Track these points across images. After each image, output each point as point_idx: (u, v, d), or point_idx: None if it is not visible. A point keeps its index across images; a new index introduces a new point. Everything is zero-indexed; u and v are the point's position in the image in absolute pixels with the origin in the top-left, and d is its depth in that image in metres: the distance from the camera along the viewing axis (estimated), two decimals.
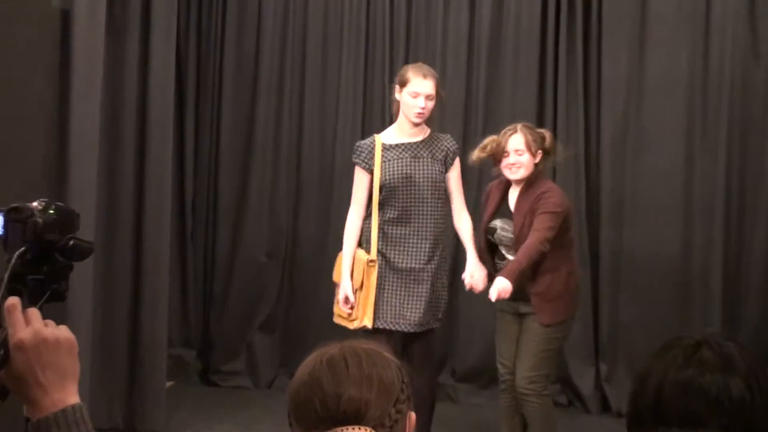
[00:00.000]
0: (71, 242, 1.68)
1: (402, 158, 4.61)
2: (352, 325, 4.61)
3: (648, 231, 6.29)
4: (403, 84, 4.59)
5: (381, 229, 4.62)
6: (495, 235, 4.57)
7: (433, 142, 4.69)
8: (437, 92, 4.61)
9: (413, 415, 1.74)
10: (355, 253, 4.65)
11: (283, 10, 6.67)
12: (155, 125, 5.49)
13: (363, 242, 4.69)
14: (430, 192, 4.63)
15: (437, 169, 4.65)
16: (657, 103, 6.29)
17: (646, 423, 1.58)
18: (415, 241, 4.62)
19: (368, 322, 4.58)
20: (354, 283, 4.61)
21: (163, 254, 5.52)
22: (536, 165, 4.53)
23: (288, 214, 6.67)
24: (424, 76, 4.57)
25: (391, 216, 4.61)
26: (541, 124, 6.08)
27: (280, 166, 6.69)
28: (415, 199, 4.61)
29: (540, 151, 4.52)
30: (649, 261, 6.26)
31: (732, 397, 1.55)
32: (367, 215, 4.68)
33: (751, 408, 1.55)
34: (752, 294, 6.20)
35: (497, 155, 4.55)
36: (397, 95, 4.63)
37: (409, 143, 4.64)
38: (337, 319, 4.72)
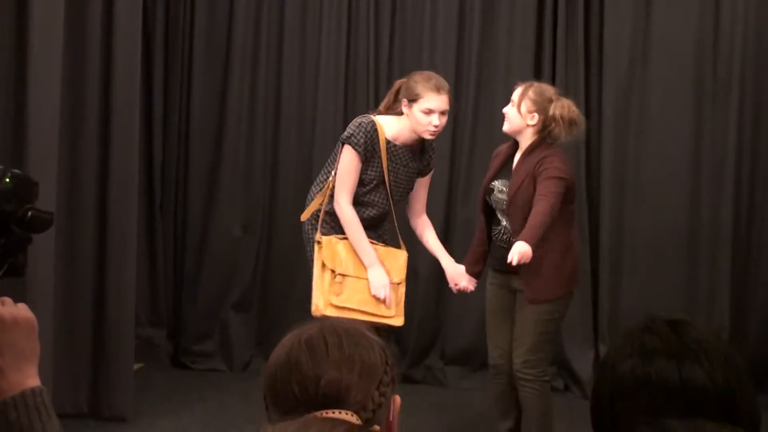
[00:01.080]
0: (29, 213, 1.67)
1: (402, 164, 4.57)
2: (395, 322, 4.55)
3: (652, 206, 6.31)
4: (413, 99, 4.44)
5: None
6: (492, 196, 4.56)
7: (421, 149, 4.66)
8: (451, 104, 4.53)
9: (398, 398, 1.75)
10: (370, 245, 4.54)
11: None
12: (120, 88, 5.45)
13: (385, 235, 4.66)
14: (403, 194, 4.68)
15: (415, 174, 4.67)
16: (663, 67, 6.29)
17: (606, 422, 1.57)
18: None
19: (402, 320, 4.58)
20: (394, 278, 4.54)
21: (129, 226, 5.51)
22: (538, 131, 4.46)
23: (264, 184, 6.67)
24: (438, 91, 4.44)
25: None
26: None
27: (255, 132, 6.68)
28: (388, 202, 4.61)
29: (535, 115, 4.44)
30: (653, 238, 6.29)
31: (687, 384, 1.53)
32: (373, 197, 4.59)
33: (712, 391, 1.53)
34: (763, 276, 6.23)
35: None
36: (405, 107, 4.47)
37: (408, 147, 4.57)
38: (346, 314, 4.40)
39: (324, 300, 4.43)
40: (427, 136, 4.51)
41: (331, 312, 4.37)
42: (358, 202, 4.51)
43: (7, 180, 1.66)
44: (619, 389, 1.57)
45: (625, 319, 6.23)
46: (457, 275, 4.63)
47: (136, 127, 5.59)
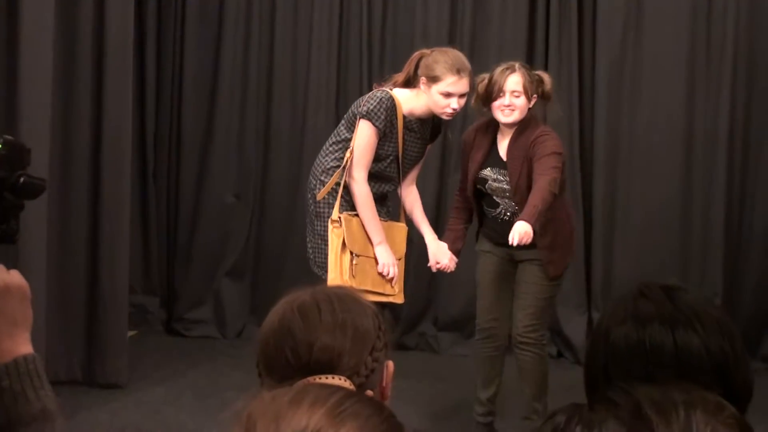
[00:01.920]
0: (21, 179, 1.66)
1: (416, 138, 4.50)
2: (398, 300, 4.52)
3: (645, 175, 6.32)
4: (432, 79, 4.32)
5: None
6: (486, 185, 4.51)
7: (432, 122, 4.57)
8: (471, 85, 4.42)
9: (391, 363, 1.75)
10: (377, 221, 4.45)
11: None
12: (113, 53, 5.42)
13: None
14: (408, 170, 4.61)
15: (424, 149, 4.61)
16: (657, 36, 6.28)
17: (602, 386, 1.54)
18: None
19: (402, 298, 4.56)
20: (398, 254, 4.48)
21: (123, 193, 5.50)
22: (530, 109, 4.46)
23: (258, 150, 6.66)
24: (459, 74, 4.31)
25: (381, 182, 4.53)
26: (531, 58, 6.07)
27: (248, 99, 6.66)
28: (400, 174, 4.54)
29: (535, 96, 4.44)
30: (646, 206, 6.30)
31: (681, 348, 1.54)
32: (382, 174, 4.52)
33: (706, 355, 1.54)
34: (756, 242, 6.25)
35: (490, 95, 4.42)
36: (423, 84, 4.35)
37: (420, 120, 4.48)
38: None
39: (341, 282, 4.28)
40: (445, 117, 4.45)
41: None
42: (376, 177, 4.43)
43: (0, 147, 1.65)
44: (613, 355, 1.57)
45: (618, 286, 6.26)
46: (440, 253, 4.56)
47: (129, 95, 5.57)
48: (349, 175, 4.37)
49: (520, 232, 4.00)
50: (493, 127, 4.54)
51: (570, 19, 6.34)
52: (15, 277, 1.51)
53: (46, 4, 4.90)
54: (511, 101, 4.39)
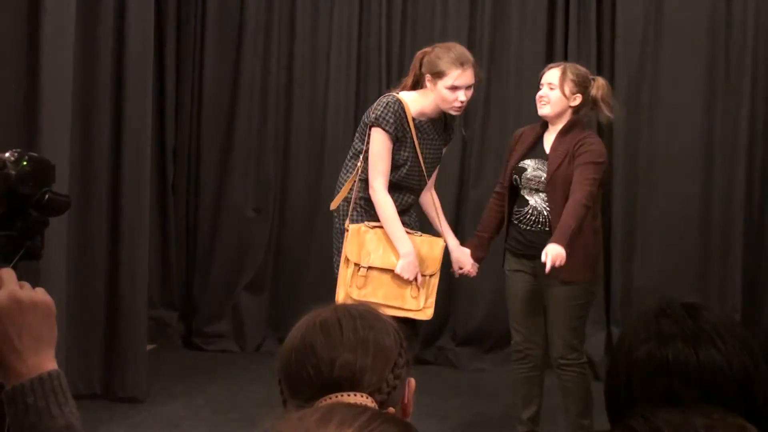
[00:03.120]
0: (47, 196, 1.66)
1: (430, 140, 4.41)
2: (422, 316, 4.36)
3: (664, 190, 6.30)
4: (437, 75, 4.27)
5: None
6: (523, 175, 4.45)
7: (445, 123, 4.50)
8: (477, 76, 4.37)
9: (413, 381, 1.75)
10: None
11: None
12: (133, 66, 5.44)
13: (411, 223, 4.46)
14: (429, 176, 4.53)
15: (441, 152, 4.53)
16: (676, 48, 6.26)
17: (624, 405, 1.55)
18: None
19: (431, 313, 4.39)
20: (428, 269, 4.34)
21: (142, 207, 5.52)
22: (575, 111, 4.44)
23: (276, 164, 6.67)
24: (463, 67, 4.27)
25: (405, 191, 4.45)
26: None
27: (267, 111, 6.68)
28: (422, 180, 4.48)
29: (579, 96, 4.41)
30: (665, 222, 6.28)
31: (704, 367, 1.53)
32: (405, 183, 4.42)
33: (728, 373, 1.53)
34: None
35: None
36: (428, 82, 4.30)
37: (431, 121, 4.41)
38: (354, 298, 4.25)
39: (344, 293, 4.26)
40: (454, 113, 4.38)
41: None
42: (398, 187, 4.37)
43: (25, 163, 1.65)
44: (636, 374, 1.57)
45: (637, 301, 6.23)
46: (463, 258, 4.56)
47: (149, 109, 5.59)
48: (370, 186, 4.32)
49: (553, 255, 4.01)
50: (541, 127, 4.54)
51: (589, 34, 6.34)
52: (40, 294, 1.52)
53: (66, 18, 4.93)
54: (545, 93, 4.43)
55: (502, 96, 6.23)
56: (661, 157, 6.30)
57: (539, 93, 4.47)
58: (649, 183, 6.33)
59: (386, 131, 4.26)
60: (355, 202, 4.37)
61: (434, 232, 4.58)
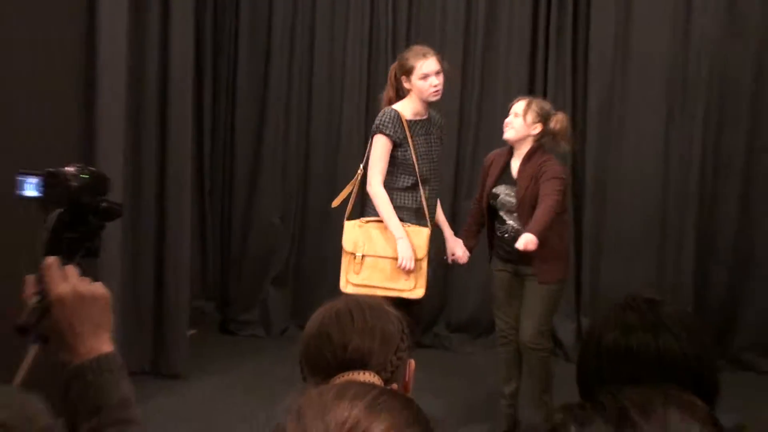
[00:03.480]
0: (103, 204, 1.67)
1: (423, 135, 4.38)
2: (414, 295, 4.28)
3: (628, 197, 6.27)
4: (408, 72, 4.31)
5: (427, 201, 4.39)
6: (498, 200, 4.51)
7: (432, 120, 4.49)
8: (441, 65, 4.37)
9: (413, 362, 1.76)
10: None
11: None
12: (175, 92, 5.45)
13: (404, 215, 4.35)
14: (438, 166, 4.50)
15: (439, 145, 4.52)
16: (639, 78, 6.24)
17: (593, 384, 1.56)
18: (432, 212, 4.44)
19: (422, 292, 4.31)
20: (419, 254, 4.28)
21: (184, 213, 5.53)
22: (536, 139, 4.44)
23: (298, 180, 6.66)
24: (425, 56, 4.31)
25: (428, 189, 4.40)
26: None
27: (290, 135, 6.66)
28: (433, 172, 4.43)
29: (539, 125, 4.43)
30: (629, 226, 6.26)
31: (662, 353, 1.53)
32: (409, 187, 4.36)
33: (682, 358, 1.54)
34: (721, 261, 6.20)
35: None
36: (405, 84, 4.33)
37: (422, 120, 4.40)
38: (365, 290, 4.23)
39: (344, 280, 4.33)
40: (433, 98, 4.35)
41: (350, 290, 4.24)
42: (412, 188, 4.33)
43: (85, 176, 1.65)
44: (604, 358, 1.57)
45: (603, 296, 6.21)
46: (456, 247, 4.56)
47: (189, 127, 5.61)
48: (368, 181, 4.33)
49: (526, 239, 4.07)
50: (509, 152, 4.55)
51: (565, 66, 6.33)
52: (99, 287, 1.52)
53: (118, 52, 4.94)
54: (511, 120, 4.46)
55: (492, 116, 6.21)
56: (626, 171, 6.28)
57: (506, 119, 4.49)
58: (615, 193, 6.30)
59: (386, 134, 4.29)
60: (355, 199, 4.41)
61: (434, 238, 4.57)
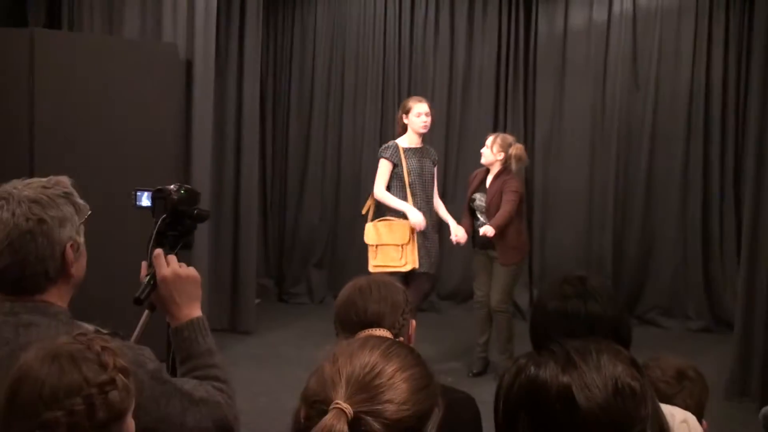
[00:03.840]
0: (195, 211, 1.68)
1: (416, 158, 4.37)
2: (404, 269, 4.22)
3: (564, 203, 6.25)
4: (407, 111, 4.37)
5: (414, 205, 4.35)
6: (474, 204, 4.53)
7: (426, 150, 4.49)
8: (431, 109, 4.41)
9: (414, 322, 1.75)
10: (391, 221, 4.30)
11: (328, 69, 6.56)
12: (246, 136, 5.45)
13: (392, 210, 4.32)
14: (429, 182, 4.46)
15: (432, 167, 4.49)
16: (571, 125, 6.24)
17: (541, 339, 1.54)
18: (426, 213, 4.37)
19: (415, 265, 4.26)
20: (404, 240, 4.23)
21: (252, 217, 5.53)
22: (502, 162, 4.44)
23: (331, 194, 6.62)
24: (420, 101, 4.39)
25: (416, 196, 4.37)
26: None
27: (326, 166, 6.62)
28: (424, 185, 4.40)
29: (502, 153, 4.44)
30: (565, 226, 6.24)
31: (590, 314, 1.52)
32: (400, 196, 4.33)
33: (605, 318, 1.52)
34: (632, 240, 6.16)
35: None
36: (404, 120, 4.38)
37: (416, 149, 4.40)
38: (381, 269, 4.19)
39: (370, 264, 4.31)
40: (422, 131, 4.35)
41: (371, 270, 4.22)
42: (411, 194, 4.31)
43: (183, 192, 1.67)
44: (548, 320, 1.56)
45: (549, 272, 6.19)
46: (458, 230, 4.45)
47: (256, 157, 5.60)
48: (374, 191, 4.37)
49: (485, 228, 4.24)
50: (486, 170, 4.57)
51: (519, 114, 6.32)
52: (192, 270, 1.52)
53: (206, 105, 4.95)
54: (484, 150, 4.51)
55: (467, 147, 6.20)
56: (562, 184, 6.26)
57: (481, 149, 4.53)
58: (555, 201, 6.29)
59: (385, 157, 4.35)
60: (374, 206, 4.42)
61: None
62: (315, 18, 6.55)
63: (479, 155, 4.58)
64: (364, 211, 4.53)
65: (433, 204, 4.47)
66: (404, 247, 4.25)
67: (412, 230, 4.24)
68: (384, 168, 4.36)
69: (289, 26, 6.63)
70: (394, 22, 6.45)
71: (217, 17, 5.05)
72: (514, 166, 4.47)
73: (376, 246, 4.31)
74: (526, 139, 6.28)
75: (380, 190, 4.35)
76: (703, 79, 5.97)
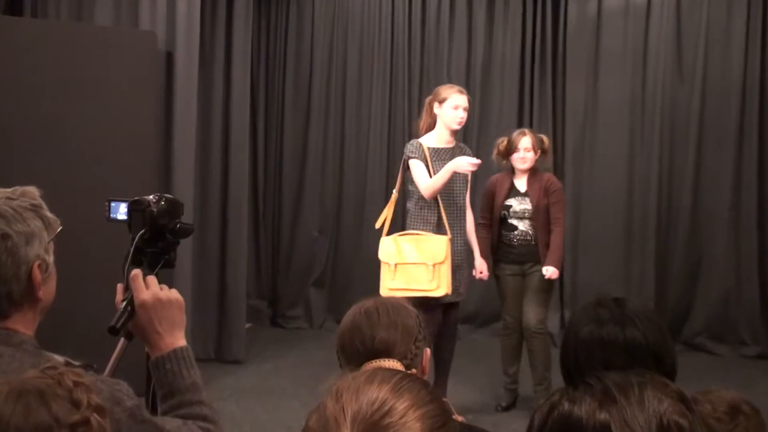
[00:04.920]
0: (178, 225, 1.68)
1: (444, 161, 4.11)
2: (436, 293, 4.03)
3: (599, 210, 6.25)
4: (442, 101, 4.14)
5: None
6: (510, 210, 4.43)
7: (460, 150, 4.27)
8: (469, 104, 4.25)
9: (428, 350, 1.74)
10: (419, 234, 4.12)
11: (328, 58, 6.60)
12: (235, 135, 5.46)
13: (422, 224, 4.14)
14: (461, 191, 4.25)
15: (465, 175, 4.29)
16: (606, 116, 6.23)
17: (572, 369, 1.54)
18: (456, 232, 4.20)
19: (448, 290, 4.06)
20: (439, 258, 4.04)
21: (242, 230, 5.51)
22: (535, 160, 4.45)
23: (333, 203, 6.65)
24: (460, 92, 4.16)
25: (450, 203, 4.21)
26: None
27: (326, 170, 6.65)
28: (454, 196, 4.22)
29: (539, 151, 4.46)
30: (601, 237, 6.22)
31: (629, 342, 1.52)
32: (426, 204, 4.13)
33: (646, 345, 1.52)
34: (677, 261, 6.15)
35: (509, 151, 4.44)
36: (436, 110, 4.17)
37: (446, 149, 4.20)
38: (400, 293, 3.99)
39: (383, 285, 4.14)
40: (455, 127, 4.16)
41: (385, 293, 4.05)
42: (431, 205, 4.13)
43: (163, 203, 1.67)
44: (581, 347, 1.56)
45: (581, 293, 6.18)
46: (483, 266, 4.42)
47: (246, 161, 5.59)
48: (421, 189, 4.10)
49: (553, 272, 4.30)
50: (508, 174, 4.51)
51: (547, 110, 6.33)
52: (175, 293, 1.52)
53: (190, 106, 4.97)
54: (525, 155, 4.41)
55: (488, 149, 6.17)
56: (596, 188, 6.26)
57: (519, 155, 4.41)
58: (588, 207, 6.28)
59: (416, 157, 4.14)
60: (391, 216, 4.26)
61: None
62: None
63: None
64: (378, 225, 4.33)
65: (465, 219, 4.31)
66: (438, 267, 4.04)
67: (450, 248, 4.06)
68: (419, 166, 4.12)
69: (283, 9, 6.67)
70: (403, 6, 6.48)
71: (202, 1, 5.05)
72: (546, 159, 4.55)
73: (395, 265, 4.13)
74: (555, 138, 6.28)
75: (425, 185, 4.07)
76: (758, 67, 5.96)
